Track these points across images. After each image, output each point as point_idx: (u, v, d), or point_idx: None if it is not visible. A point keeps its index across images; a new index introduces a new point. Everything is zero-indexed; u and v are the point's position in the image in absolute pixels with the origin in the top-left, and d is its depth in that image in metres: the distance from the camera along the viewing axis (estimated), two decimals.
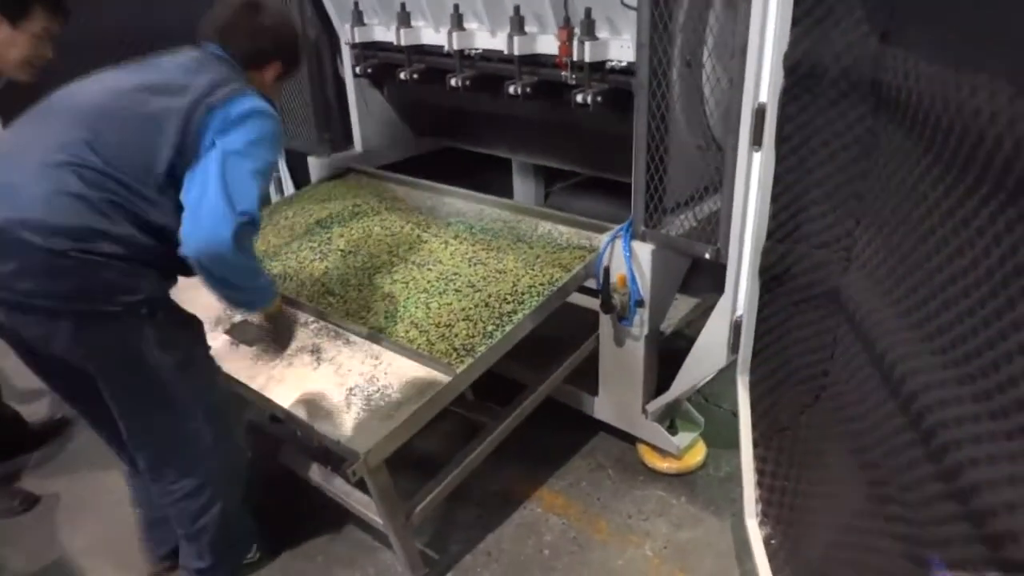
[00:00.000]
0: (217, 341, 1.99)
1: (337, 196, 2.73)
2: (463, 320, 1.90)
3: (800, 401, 1.79)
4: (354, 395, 1.75)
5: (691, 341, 2.07)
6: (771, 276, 1.73)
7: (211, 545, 1.78)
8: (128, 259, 1.46)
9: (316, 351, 1.94)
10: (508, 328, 1.84)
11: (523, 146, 3.03)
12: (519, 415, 2.06)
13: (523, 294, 1.97)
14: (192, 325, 1.68)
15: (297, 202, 2.73)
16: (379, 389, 1.76)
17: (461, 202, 2.63)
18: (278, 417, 1.92)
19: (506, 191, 3.65)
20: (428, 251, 2.31)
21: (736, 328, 1.86)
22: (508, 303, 1.94)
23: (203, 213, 1.45)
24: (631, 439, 2.32)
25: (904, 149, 1.30)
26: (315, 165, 3.00)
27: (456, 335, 1.86)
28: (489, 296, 1.99)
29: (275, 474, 2.19)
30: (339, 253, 2.37)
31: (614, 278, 2.03)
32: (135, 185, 1.46)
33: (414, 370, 1.81)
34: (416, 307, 2.01)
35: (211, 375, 1.74)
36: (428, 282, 2.12)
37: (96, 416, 1.73)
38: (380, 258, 2.30)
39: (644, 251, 1.97)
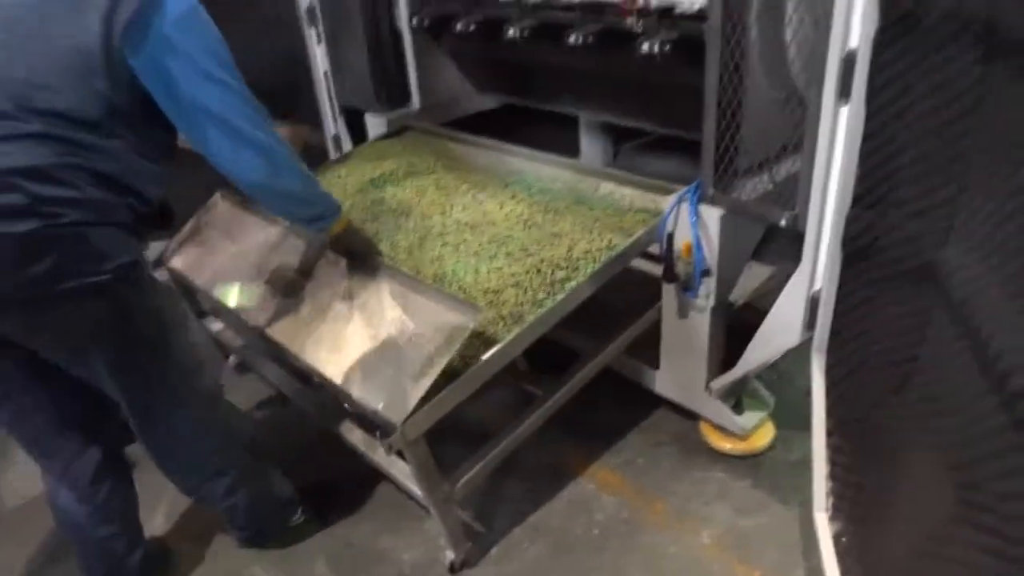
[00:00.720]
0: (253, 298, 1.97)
1: (392, 155, 2.64)
2: (512, 287, 1.79)
3: (883, 388, 1.60)
4: (389, 352, 1.65)
5: (763, 314, 1.90)
6: (855, 247, 1.54)
7: (246, 515, 1.76)
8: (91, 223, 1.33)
9: (349, 298, 1.86)
10: (560, 297, 1.72)
11: (587, 102, 2.86)
12: (572, 388, 1.95)
13: (578, 260, 1.84)
14: (169, 294, 1.66)
15: (351, 161, 2.65)
16: (411, 338, 1.65)
17: (520, 161, 2.50)
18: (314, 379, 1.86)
19: (573, 150, 3.50)
20: (482, 212, 2.20)
21: (813, 304, 1.68)
22: (561, 269, 1.82)
23: (242, 167, 1.43)
24: (694, 416, 2.18)
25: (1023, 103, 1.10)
26: (372, 122, 2.92)
27: (504, 302, 1.75)
28: (542, 261, 1.86)
29: (321, 437, 2.15)
30: (391, 214, 2.28)
31: (679, 245, 1.87)
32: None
33: (440, 315, 1.67)
34: (465, 272, 1.91)
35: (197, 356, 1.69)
36: (479, 245, 2.01)
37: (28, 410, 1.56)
38: (432, 219, 2.21)
39: (712, 216, 1.80)
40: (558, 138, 3.43)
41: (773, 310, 1.79)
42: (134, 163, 1.40)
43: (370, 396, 1.57)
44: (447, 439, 1.61)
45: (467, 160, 2.60)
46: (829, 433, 1.66)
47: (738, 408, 2.10)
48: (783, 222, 1.69)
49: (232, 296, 2.04)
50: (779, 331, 1.79)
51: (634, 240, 1.88)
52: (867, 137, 1.43)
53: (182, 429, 1.64)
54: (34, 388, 1.52)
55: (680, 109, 2.40)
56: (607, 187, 2.23)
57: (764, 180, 1.81)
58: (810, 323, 1.71)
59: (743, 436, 2.06)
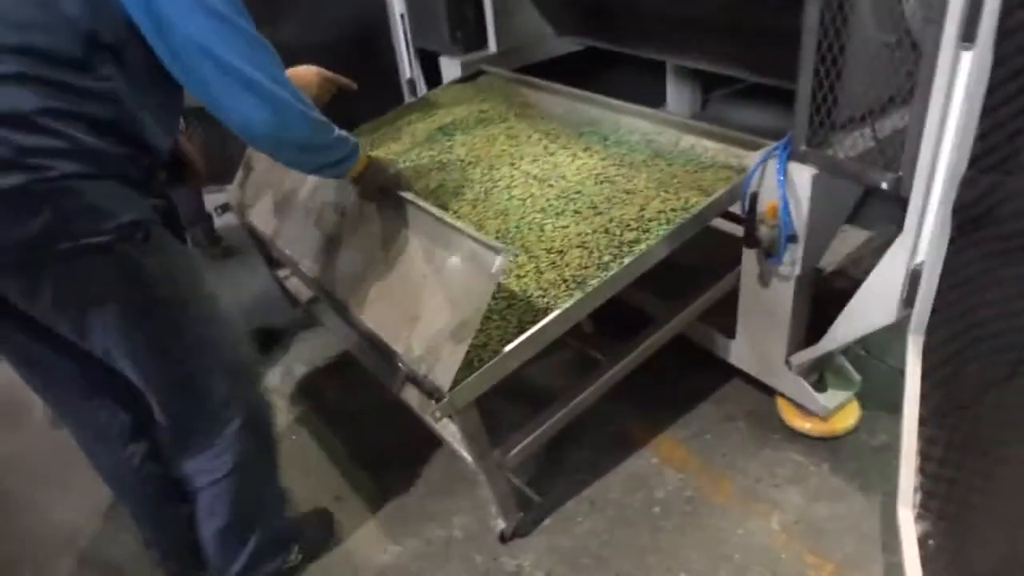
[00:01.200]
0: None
1: (464, 100, 2.53)
2: (577, 247, 1.67)
3: (990, 375, 1.42)
4: (429, 308, 1.57)
5: (856, 283, 1.72)
6: (969, 216, 1.34)
7: (229, 505, 1.58)
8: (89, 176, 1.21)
9: (385, 246, 1.78)
10: (627, 260, 1.59)
11: (675, 46, 2.65)
12: (639, 356, 1.83)
13: (650, 221, 1.70)
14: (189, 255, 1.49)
15: (422, 106, 2.56)
16: (447, 293, 1.55)
17: (597, 110, 2.34)
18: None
19: (658, 99, 3.29)
20: (553, 165, 2.08)
21: (914, 277, 1.50)
22: (631, 230, 1.68)
23: (246, 116, 1.25)
24: (770, 391, 2.03)
25: None
26: (447, 66, 2.81)
27: (567, 264, 1.64)
28: (611, 221, 1.73)
29: (376, 393, 2.12)
30: (458, 163, 2.18)
31: (763, 206, 1.70)
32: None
33: (467, 264, 1.53)
34: (529, 228, 1.80)
35: (222, 321, 1.50)
36: (547, 200, 1.89)
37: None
38: (500, 171, 2.10)
39: (803, 176, 1.62)
40: (642, 86, 3.24)
41: (867, 283, 1.61)
42: (134, 109, 1.26)
43: (416, 358, 1.50)
44: (504, 398, 1.53)
45: (541, 108, 2.46)
46: (922, 422, 1.49)
47: (820, 385, 1.93)
48: (884, 185, 1.50)
49: None
50: (873, 306, 1.61)
51: (713, 200, 1.72)
52: (992, 88, 1.22)
53: (200, 406, 1.48)
54: (56, 356, 1.42)
55: (776, 55, 2.19)
56: (688, 140, 2.06)
57: (865, 136, 1.61)
58: (909, 299, 1.52)
59: (824, 416, 1.90)
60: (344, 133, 1.48)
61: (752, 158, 1.75)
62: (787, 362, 1.90)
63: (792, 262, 1.73)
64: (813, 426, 1.93)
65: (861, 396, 1.95)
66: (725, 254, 1.95)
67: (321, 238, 1.92)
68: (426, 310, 1.55)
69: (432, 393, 1.49)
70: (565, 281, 1.60)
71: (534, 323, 1.54)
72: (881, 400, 1.96)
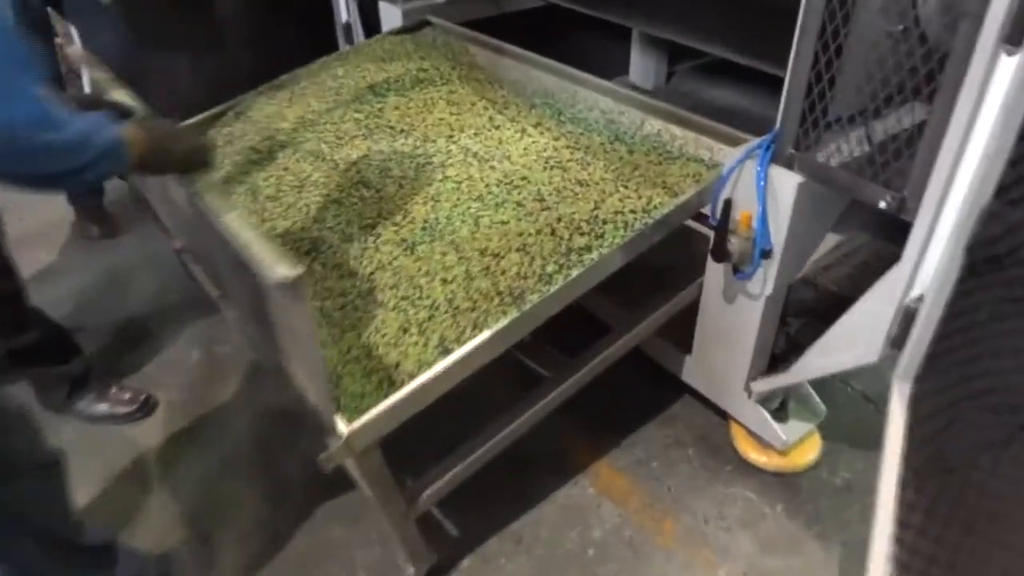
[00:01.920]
0: None
1: (402, 55, 2.19)
2: (517, 250, 1.40)
3: (985, 437, 1.22)
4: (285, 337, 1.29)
5: (823, 294, 1.51)
6: (987, 254, 1.12)
7: None
8: None
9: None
10: (574, 273, 1.33)
11: (643, 12, 2.35)
12: (585, 375, 1.58)
13: (605, 223, 1.44)
14: None
15: (353, 58, 2.21)
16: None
17: (554, 80, 2.05)
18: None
19: (621, 67, 3.00)
20: (497, 141, 1.79)
21: (907, 315, 1.28)
22: (582, 234, 1.42)
23: None
24: (724, 413, 1.81)
25: None
26: (387, 12, 2.46)
27: (504, 271, 1.36)
28: (559, 220, 1.46)
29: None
30: (387, 131, 1.87)
31: (737, 214, 1.45)
32: None
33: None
34: (462, 221, 1.51)
35: None
36: (487, 186, 1.61)
37: None
38: (436, 144, 1.80)
39: (788, 183, 1.37)
40: (604, 51, 2.95)
41: (850, 313, 1.39)
42: None
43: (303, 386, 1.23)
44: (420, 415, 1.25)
45: (490, 71, 2.15)
46: (904, 484, 1.29)
47: (781, 414, 1.72)
48: (884, 204, 1.26)
49: None
50: (854, 341, 1.39)
51: (679, 204, 1.46)
52: None
53: None
54: None
55: (757, 33, 1.93)
56: (654, 124, 1.79)
57: (860, 139, 1.37)
58: (898, 340, 1.30)
59: (782, 450, 1.70)
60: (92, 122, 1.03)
61: (726, 154, 1.50)
62: (746, 387, 1.68)
63: (763, 280, 1.49)
64: (769, 460, 1.73)
65: (823, 425, 1.75)
66: (691, 251, 1.70)
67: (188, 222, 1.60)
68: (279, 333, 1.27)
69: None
70: (500, 293, 1.32)
71: (459, 343, 1.27)
72: (845, 431, 1.77)
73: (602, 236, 1.40)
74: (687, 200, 1.47)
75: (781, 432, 1.68)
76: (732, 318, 1.61)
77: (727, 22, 2.04)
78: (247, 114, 2.05)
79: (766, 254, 1.44)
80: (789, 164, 1.37)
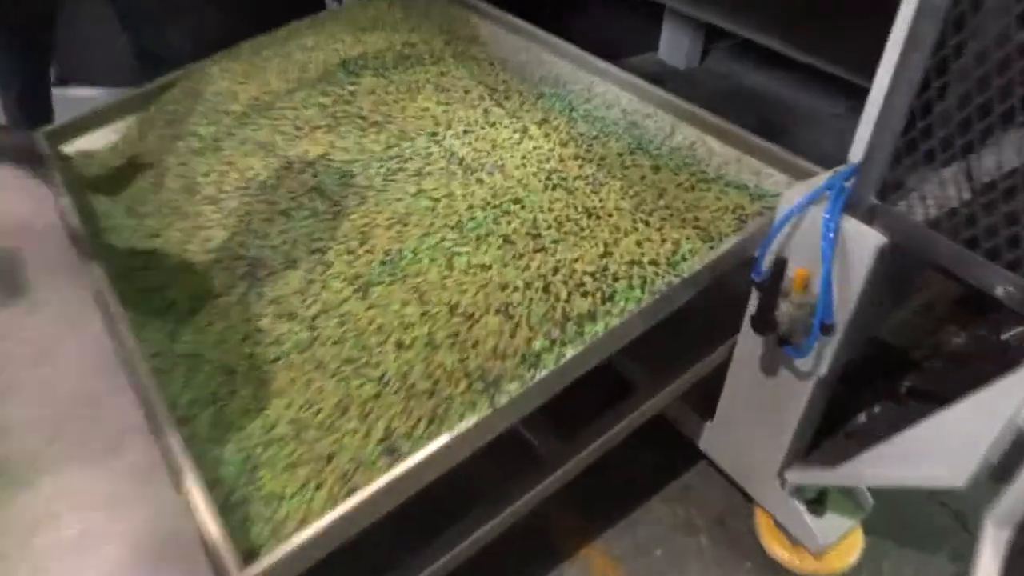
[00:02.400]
0: None
1: (385, 25, 1.83)
2: (497, 312, 1.06)
3: None
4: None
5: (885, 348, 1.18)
6: None
7: None
8: None
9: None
10: (569, 353, 0.99)
11: None
12: (591, 454, 1.25)
13: (616, 280, 1.09)
14: None
15: (328, 26, 1.85)
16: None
17: (568, 65, 1.68)
18: None
19: (651, 42, 2.62)
20: (491, 143, 1.44)
21: (1020, 443, 0.94)
22: (585, 295, 1.07)
23: None
24: (747, 493, 1.49)
25: None
26: None
27: (477, 342, 1.03)
28: (556, 269, 1.12)
29: None
30: (358, 122, 1.52)
31: (791, 272, 1.11)
32: None
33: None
34: (432, 258, 1.18)
35: None
36: (470, 208, 1.27)
37: None
38: (415, 143, 1.45)
39: (864, 243, 1.02)
40: (632, 25, 2.57)
41: (935, 419, 1.05)
42: None
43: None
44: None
45: (492, 48, 1.79)
46: None
47: (818, 506, 1.40)
48: (1001, 292, 0.91)
49: None
50: (935, 456, 1.06)
51: (716, 258, 1.11)
52: None
53: None
54: None
55: (821, 21, 1.55)
56: (687, 133, 1.43)
57: (960, 181, 1.01)
58: (1002, 471, 0.97)
59: (816, 553, 1.38)
60: None
61: (775, 182, 1.15)
62: (779, 475, 1.35)
63: (818, 358, 1.15)
64: (801, 562, 1.41)
65: (868, 523, 1.42)
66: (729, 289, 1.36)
67: None
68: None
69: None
70: (469, 375, 0.99)
71: (410, 440, 0.95)
72: (891, 524, 1.45)
73: (611, 299, 1.06)
74: (725, 253, 1.12)
75: (817, 531, 1.36)
76: (770, 393, 1.27)
77: (785, 11, 1.67)
78: (197, 89, 1.70)
79: (827, 329, 1.09)
80: (868, 218, 1.02)
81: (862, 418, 1.34)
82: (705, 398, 1.45)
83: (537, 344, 1.00)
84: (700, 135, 1.43)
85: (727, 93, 2.49)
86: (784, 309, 1.11)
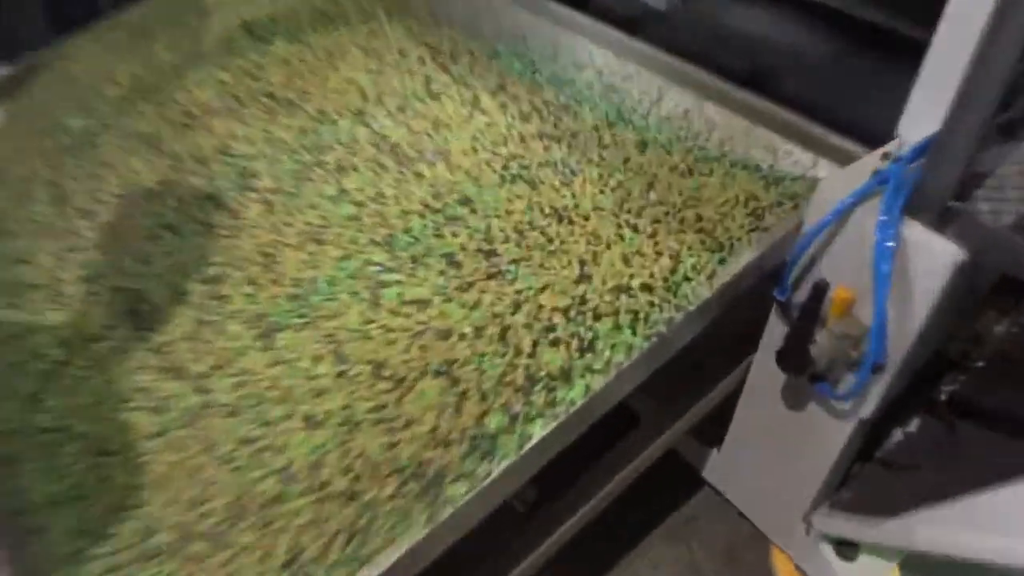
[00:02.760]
0: None
1: None
2: (436, 375, 0.78)
3: None
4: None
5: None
6: None
7: None
8: None
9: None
10: (536, 433, 0.71)
11: None
12: (591, 510, 0.99)
13: (597, 319, 0.81)
14: None
15: None
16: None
17: (528, 16, 1.37)
18: None
19: None
20: (432, 121, 1.14)
21: None
22: (556, 344, 0.79)
23: None
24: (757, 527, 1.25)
25: None
26: None
27: (410, 421, 0.75)
28: (517, 303, 0.83)
29: None
30: (265, 102, 1.22)
31: (831, 292, 0.83)
32: None
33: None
34: (352, 291, 0.89)
35: None
36: (403, 213, 0.98)
37: None
38: (337, 126, 1.15)
39: (938, 258, 0.74)
40: None
41: (1015, 489, 0.79)
42: None
43: None
44: None
45: (437, 1, 1.47)
46: None
47: (848, 550, 1.16)
48: None
49: None
50: (1005, 525, 0.80)
51: (729, 280, 0.84)
52: None
53: None
54: None
55: None
56: (678, 99, 1.14)
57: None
58: None
59: None
60: None
61: (796, 162, 0.87)
62: (806, 520, 1.11)
63: (862, 400, 0.89)
64: None
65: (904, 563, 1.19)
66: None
67: None
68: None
69: None
70: (401, 471, 0.72)
71: (322, 565, 0.68)
72: (926, 561, 1.21)
73: (592, 348, 0.78)
74: (747, 266, 0.85)
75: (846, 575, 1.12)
76: (795, 432, 1.02)
77: None
78: (68, 68, 1.38)
79: (878, 368, 0.83)
80: (940, 223, 0.74)
81: (898, 436, 1.09)
82: (707, 419, 1.19)
83: (492, 422, 0.72)
84: (695, 100, 1.13)
85: (722, 39, 2.17)
86: (820, 344, 0.84)
